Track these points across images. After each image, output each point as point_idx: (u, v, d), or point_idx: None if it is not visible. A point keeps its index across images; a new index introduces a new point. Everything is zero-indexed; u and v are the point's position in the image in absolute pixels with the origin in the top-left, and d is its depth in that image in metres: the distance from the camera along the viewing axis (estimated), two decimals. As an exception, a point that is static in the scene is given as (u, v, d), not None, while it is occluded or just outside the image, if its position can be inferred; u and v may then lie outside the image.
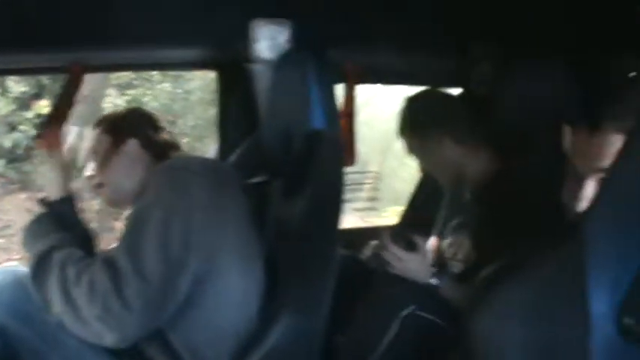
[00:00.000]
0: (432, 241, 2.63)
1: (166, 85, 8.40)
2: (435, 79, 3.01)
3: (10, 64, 2.50)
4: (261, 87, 2.51)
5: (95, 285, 1.78)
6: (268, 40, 2.52)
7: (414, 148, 2.52)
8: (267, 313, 1.86)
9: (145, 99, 8.15)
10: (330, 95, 2.03)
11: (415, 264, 2.24)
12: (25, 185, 7.25)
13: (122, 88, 8.14)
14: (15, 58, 2.39)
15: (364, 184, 5.22)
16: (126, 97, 7.94)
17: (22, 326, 1.99)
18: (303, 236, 1.90)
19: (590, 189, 1.51)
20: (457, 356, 1.76)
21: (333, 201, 1.96)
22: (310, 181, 1.92)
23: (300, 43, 2.49)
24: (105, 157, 2.13)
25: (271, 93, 2.21)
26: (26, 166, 7.34)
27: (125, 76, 7.98)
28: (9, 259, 5.65)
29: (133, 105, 7.91)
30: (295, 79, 2.05)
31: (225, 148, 2.73)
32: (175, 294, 1.81)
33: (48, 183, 2.09)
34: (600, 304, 1.02)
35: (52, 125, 2.29)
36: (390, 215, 5.10)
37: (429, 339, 2.12)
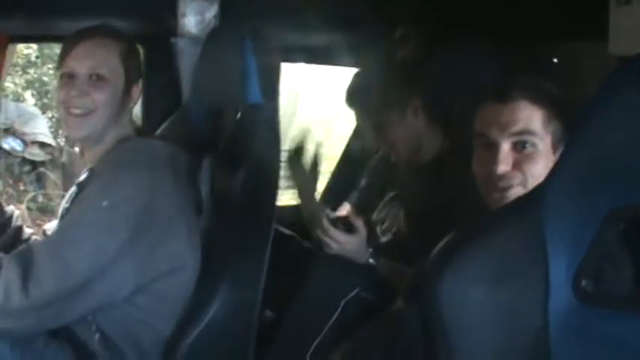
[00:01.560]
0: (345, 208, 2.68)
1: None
2: (363, 59, 3.03)
3: None
4: (186, 63, 2.49)
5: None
6: (196, 16, 2.51)
7: (376, 118, 2.47)
8: (205, 285, 1.86)
9: (46, 78, 7.89)
10: (268, 70, 2.03)
11: (354, 246, 2.25)
12: None
13: (23, 67, 7.85)
14: None
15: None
16: (27, 77, 7.65)
17: None
18: (241, 211, 1.91)
19: (504, 153, 1.64)
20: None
21: (271, 177, 1.97)
22: (249, 157, 1.92)
23: (228, 20, 2.49)
24: (113, 85, 1.95)
25: (202, 67, 2.19)
26: None
27: (25, 55, 7.70)
28: None
29: (36, 85, 7.65)
30: (231, 53, 2.04)
31: (149, 124, 2.69)
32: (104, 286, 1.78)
33: None
34: (559, 270, 1.06)
35: None
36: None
37: (369, 318, 2.15)
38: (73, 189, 1.98)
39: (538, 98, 1.68)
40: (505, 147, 1.65)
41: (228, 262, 1.88)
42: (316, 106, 9.86)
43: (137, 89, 2.01)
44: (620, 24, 2.09)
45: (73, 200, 1.93)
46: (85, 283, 1.74)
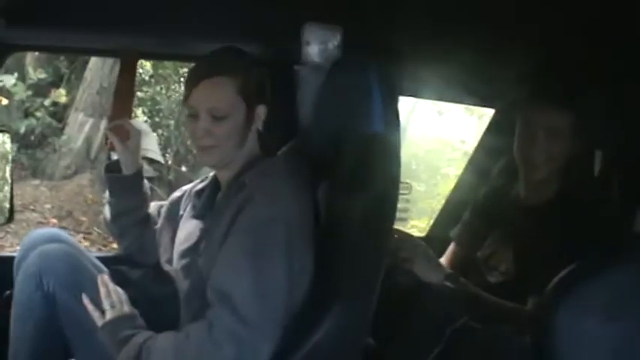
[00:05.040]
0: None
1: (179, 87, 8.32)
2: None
3: (60, 42, 2.54)
4: (305, 90, 2.53)
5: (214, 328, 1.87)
6: (319, 45, 2.55)
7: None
8: (315, 306, 1.90)
9: (158, 97, 8.11)
10: (390, 101, 2.05)
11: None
12: (36, 172, 7.23)
13: (138, 85, 8.09)
14: (62, 37, 2.43)
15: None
16: (139, 95, 7.88)
17: (70, 297, 2.01)
18: (357, 237, 1.93)
19: None
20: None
21: (388, 208, 1.99)
22: (369, 186, 1.95)
23: (351, 50, 2.52)
24: (232, 119, 2.07)
25: (326, 95, 2.23)
26: (39, 153, 7.33)
27: (139, 74, 7.93)
28: (18, 244, 5.63)
29: (148, 104, 7.87)
30: (356, 83, 2.08)
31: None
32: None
33: (123, 162, 2.32)
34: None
35: (117, 118, 2.41)
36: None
37: (475, 347, 2.14)
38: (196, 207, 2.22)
39: None
40: None
41: (342, 284, 1.91)
42: (421, 142, 9.85)
43: (261, 109, 2.11)
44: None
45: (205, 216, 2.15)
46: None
